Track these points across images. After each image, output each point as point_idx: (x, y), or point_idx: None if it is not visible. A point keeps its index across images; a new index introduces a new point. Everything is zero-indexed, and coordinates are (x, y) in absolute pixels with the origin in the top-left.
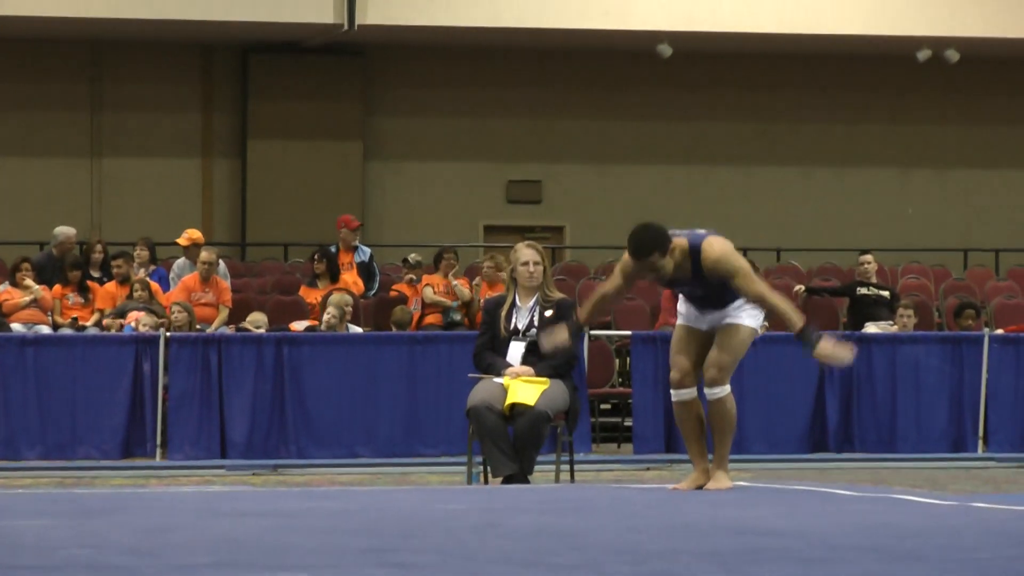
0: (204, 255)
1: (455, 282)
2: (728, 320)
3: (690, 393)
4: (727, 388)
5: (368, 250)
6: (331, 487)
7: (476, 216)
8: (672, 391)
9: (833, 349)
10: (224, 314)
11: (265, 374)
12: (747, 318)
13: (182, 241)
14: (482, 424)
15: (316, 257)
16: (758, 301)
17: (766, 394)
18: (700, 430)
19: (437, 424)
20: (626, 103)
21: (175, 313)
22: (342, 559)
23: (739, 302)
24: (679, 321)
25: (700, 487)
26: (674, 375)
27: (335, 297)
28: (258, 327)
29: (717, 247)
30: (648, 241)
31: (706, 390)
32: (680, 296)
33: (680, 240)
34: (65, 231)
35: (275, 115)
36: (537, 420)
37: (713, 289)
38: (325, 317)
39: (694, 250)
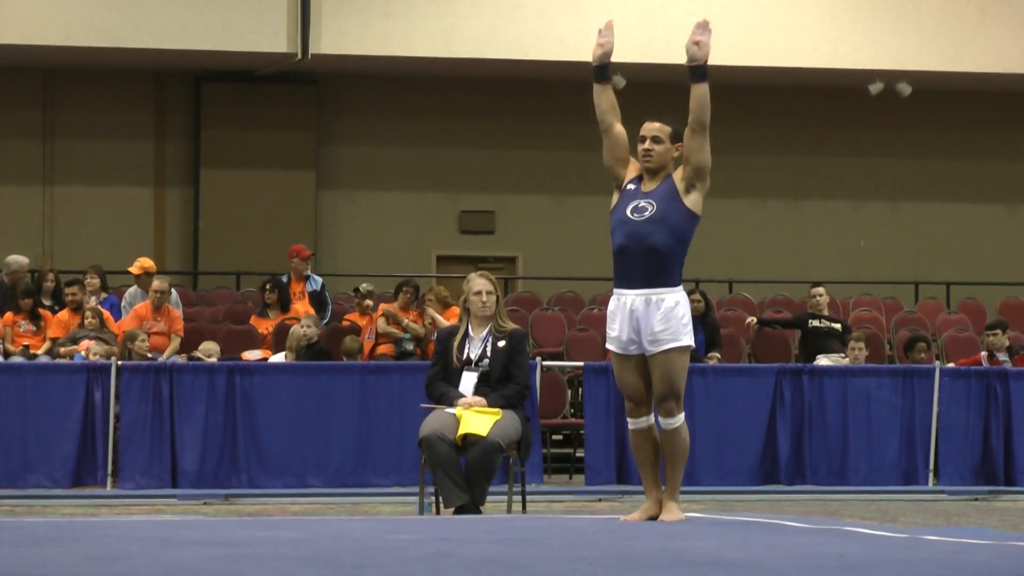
0: (156, 283)
1: (405, 320)
2: (664, 347)
3: (647, 421)
4: (682, 417)
5: (320, 279)
6: (283, 517)
7: (429, 246)
8: (629, 420)
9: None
10: (176, 343)
11: (217, 403)
12: (683, 336)
13: (134, 269)
14: (434, 454)
15: (268, 287)
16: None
17: (717, 425)
18: (656, 459)
19: (389, 454)
20: (579, 134)
21: (139, 341)
22: None
23: (670, 303)
24: (610, 347)
25: (652, 517)
26: (628, 405)
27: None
28: (210, 356)
29: None
30: (670, 118)
31: (663, 420)
32: (611, 300)
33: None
34: (18, 260)
35: (228, 144)
36: (489, 450)
37: (661, 241)
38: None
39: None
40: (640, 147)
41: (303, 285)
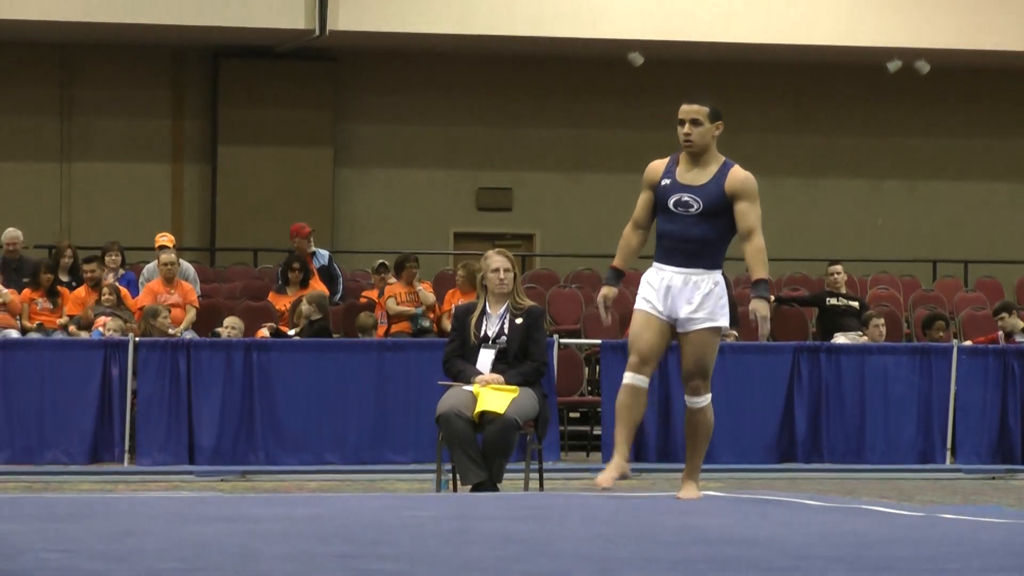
0: (164, 257)
1: (419, 287)
2: (698, 326)
3: (645, 382)
4: (709, 397)
5: (326, 253)
6: (300, 493)
7: (446, 223)
8: (627, 374)
9: (765, 315)
10: (191, 313)
11: (234, 380)
12: (719, 317)
13: (165, 241)
14: (451, 431)
15: (296, 266)
16: (749, 233)
17: (735, 404)
18: (637, 420)
19: (406, 431)
20: (597, 111)
21: (160, 318)
22: (311, 565)
23: (709, 284)
24: (638, 306)
25: (623, 476)
26: (634, 359)
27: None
28: (232, 329)
29: (747, 173)
30: (706, 96)
31: (689, 399)
32: (650, 269)
33: (718, 153)
34: (10, 233)
35: (245, 120)
36: (506, 428)
37: (705, 233)
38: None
39: (727, 163)
40: (680, 130)
41: (310, 261)
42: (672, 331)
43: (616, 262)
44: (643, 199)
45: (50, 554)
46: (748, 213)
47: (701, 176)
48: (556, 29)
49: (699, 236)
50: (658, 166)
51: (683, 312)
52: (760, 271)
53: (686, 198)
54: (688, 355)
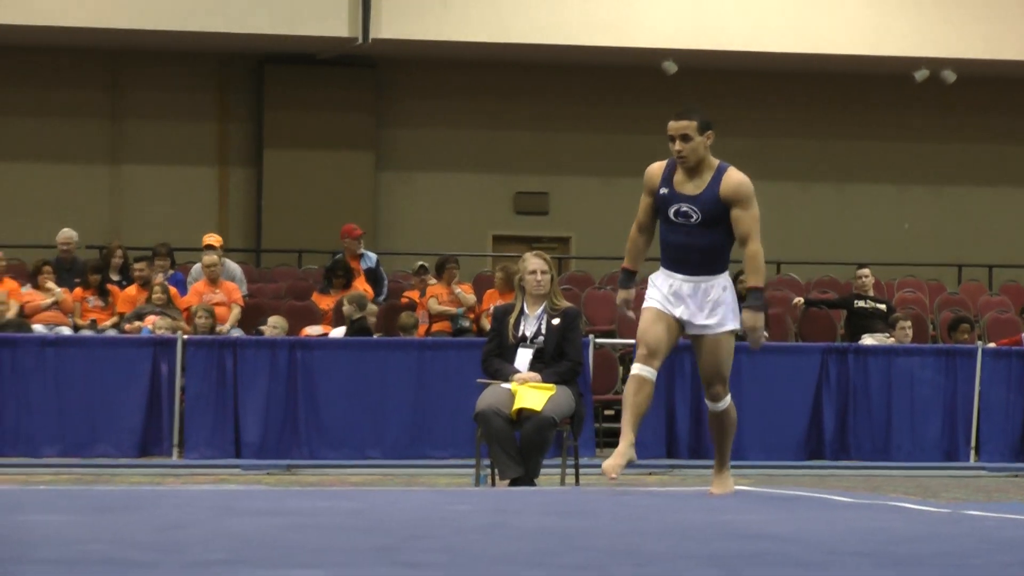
0: (206, 258)
1: (457, 289)
2: (713, 331)
3: (652, 373)
4: (728, 398)
5: (374, 256)
6: (342, 487)
7: (485, 226)
8: (636, 364)
9: (755, 326)
10: (236, 311)
11: (279, 377)
12: (730, 321)
13: (212, 241)
14: (490, 428)
15: (339, 272)
16: (744, 239)
17: (765, 403)
18: (644, 409)
19: (445, 427)
20: (631, 118)
21: (199, 318)
22: (353, 557)
23: (718, 289)
24: (648, 304)
25: (630, 461)
26: (642, 351)
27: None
28: (275, 328)
29: (743, 175)
30: (693, 108)
31: (711, 404)
32: (658, 272)
33: (712, 159)
34: (65, 233)
35: (290, 125)
36: (543, 425)
37: (710, 241)
38: (346, 309)
39: (721, 168)
40: (672, 147)
41: (358, 263)
42: (680, 329)
43: (627, 263)
44: (644, 203)
45: (99, 545)
46: (742, 218)
47: (697, 186)
48: (592, 38)
49: (703, 246)
50: (656, 171)
51: (695, 318)
52: (753, 279)
53: (685, 208)
54: (706, 361)
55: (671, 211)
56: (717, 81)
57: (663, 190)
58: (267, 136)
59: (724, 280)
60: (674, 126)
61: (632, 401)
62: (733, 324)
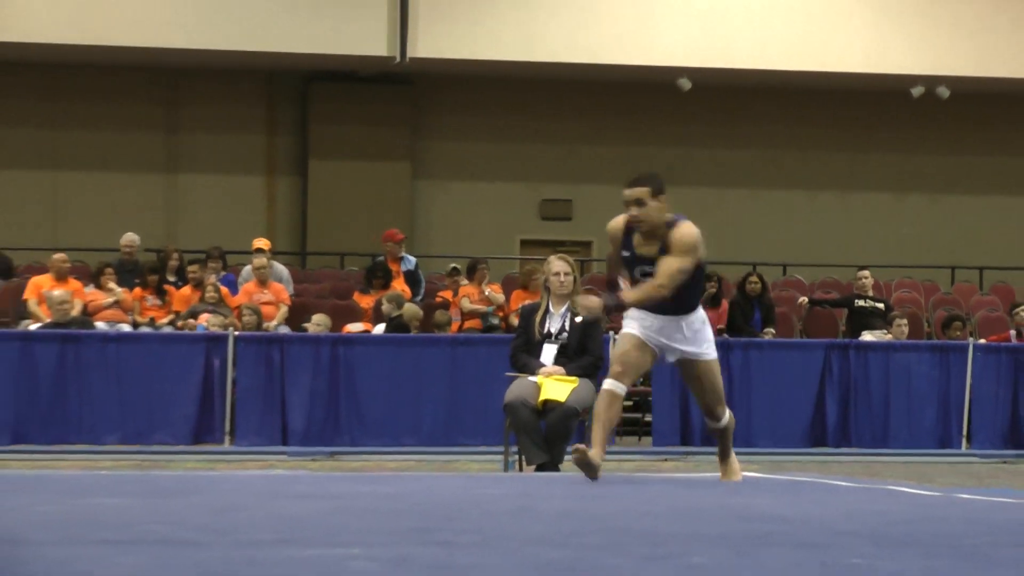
0: (255, 261)
1: (487, 290)
2: (702, 359)
3: (622, 389)
4: (728, 413)
5: (413, 259)
6: (381, 472)
7: (513, 231)
8: (608, 380)
9: (590, 306)
10: (284, 310)
11: (322, 371)
12: (711, 351)
13: (261, 245)
14: (517, 418)
15: (379, 273)
16: (658, 276)
17: (772, 395)
18: (614, 421)
19: (476, 417)
20: (649, 131)
21: (245, 316)
22: (391, 537)
23: (696, 323)
24: (627, 329)
25: (597, 468)
26: (616, 368)
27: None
28: (319, 325)
29: (689, 229)
30: (646, 176)
31: (715, 423)
32: (634, 310)
33: (666, 217)
34: (128, 237)
35: (333, 138)
36: (567, 415)
37: (678, 290)
38: (385, 307)
39: (670, 223)
40: (628, 214)
41: (398, 265)
42: (654, 357)
43: (609, 277)
44: (611, 254)
45: (157, 526)
46: (668, 263)
47: (653, 245)
48: (612, 57)
49: (672, 296)
50: (617, 231)
51: (681, 344)
52: (633, 293)
53: (648, 269)
54: (704, 387)
55: (635, 272)
56: (728, 97)
57: (625, 252)
58: (312, 148)
59: (700, 314)
60: (628, 193)
61: (604, 416)
62: (713, 352)
